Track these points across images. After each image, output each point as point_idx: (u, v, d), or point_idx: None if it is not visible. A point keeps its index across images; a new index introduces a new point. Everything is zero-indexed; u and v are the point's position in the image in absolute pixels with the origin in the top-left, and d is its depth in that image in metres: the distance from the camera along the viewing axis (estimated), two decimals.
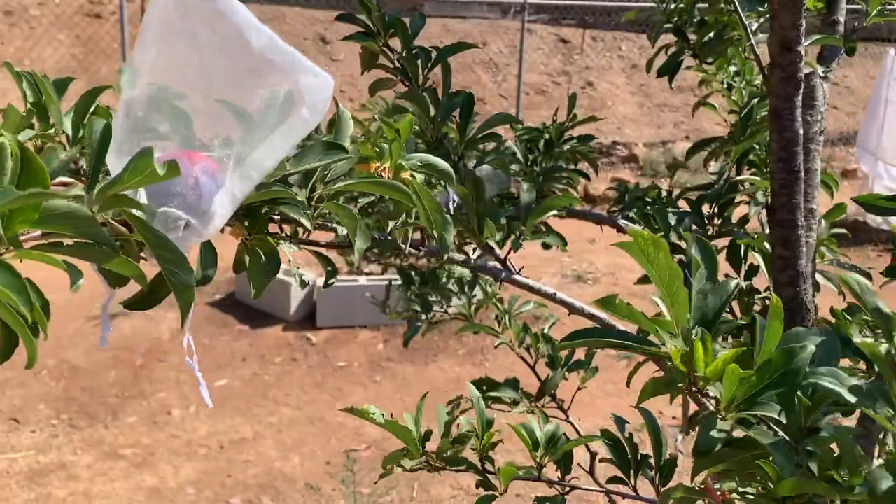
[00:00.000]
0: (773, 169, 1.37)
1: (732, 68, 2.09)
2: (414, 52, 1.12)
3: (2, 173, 0.46)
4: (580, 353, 1.41)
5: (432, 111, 1.15)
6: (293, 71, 0.60)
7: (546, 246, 1.60)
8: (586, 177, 1.93)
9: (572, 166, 1.94)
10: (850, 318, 1.25)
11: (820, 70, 1.46)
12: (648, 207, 1.71)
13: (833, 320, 1.48)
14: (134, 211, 0.55)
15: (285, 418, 4.04)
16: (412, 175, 0.79)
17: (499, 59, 10.70)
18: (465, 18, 11.29)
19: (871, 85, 7.32)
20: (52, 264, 0.51)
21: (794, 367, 0.57)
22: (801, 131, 1.35)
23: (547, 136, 1.90)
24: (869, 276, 1.62)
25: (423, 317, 1.51)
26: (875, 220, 6.54)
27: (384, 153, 0.78)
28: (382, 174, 0.79)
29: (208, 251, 0.66)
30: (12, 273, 0.46)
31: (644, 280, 1.61)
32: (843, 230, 1.74)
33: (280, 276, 4.61)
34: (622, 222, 1.63)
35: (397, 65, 1.12)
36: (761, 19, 1.67)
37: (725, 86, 2.08)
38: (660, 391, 0.73)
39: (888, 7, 1.81)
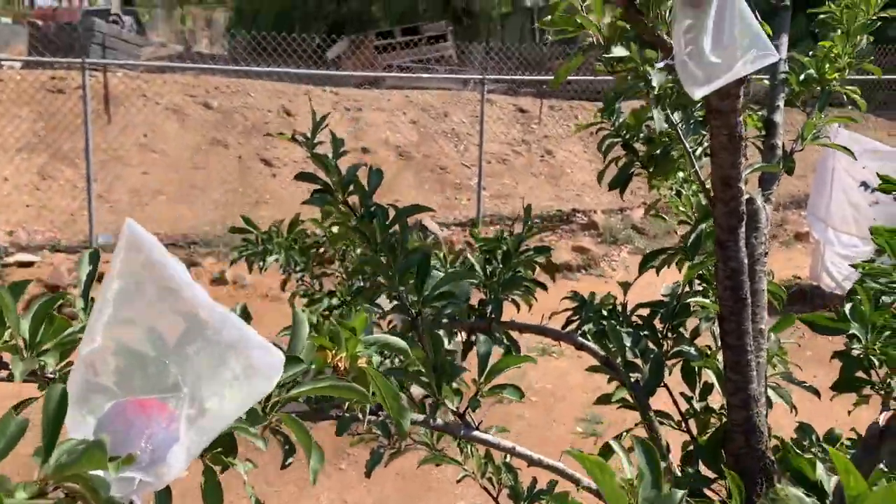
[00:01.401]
0: (722, 296, 1.41)
1: (680, 174, 2.16)
2: (371, 209, 1.16)
3: None
4: (542, 482, 1.42)
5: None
6: (246, 347, 0.63)
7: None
8: (544, 287, 1.97)
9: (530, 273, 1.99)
10: (798, 450, 1.28)
11: (760, 198, 1.53)
12: (603, 322, 1.74)
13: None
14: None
15: None
16: (369, 360, 0.81)
17: (460, 129, 10.90)
18: (425, 89, 11.53)
19: (819, 149, 7.59)
20: None
21: None
22: (746, 260, 1.40)
23: (504, 247, 1.95)
24: (817, 393, 1.67)
25: (386, 441, 1.51)
26: (829, 286, 6.71)
27: (340, 340, 0.80)
28: (339, 364, 0.81)
29: (162, 492, 0.67)
30: None
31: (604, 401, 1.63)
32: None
33: None
34: (580, 340, 1.66)
35: (355, 224, 1.16)
36: (704, 143, 1.75)
37: (674, 192, 2.16)
38: None
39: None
